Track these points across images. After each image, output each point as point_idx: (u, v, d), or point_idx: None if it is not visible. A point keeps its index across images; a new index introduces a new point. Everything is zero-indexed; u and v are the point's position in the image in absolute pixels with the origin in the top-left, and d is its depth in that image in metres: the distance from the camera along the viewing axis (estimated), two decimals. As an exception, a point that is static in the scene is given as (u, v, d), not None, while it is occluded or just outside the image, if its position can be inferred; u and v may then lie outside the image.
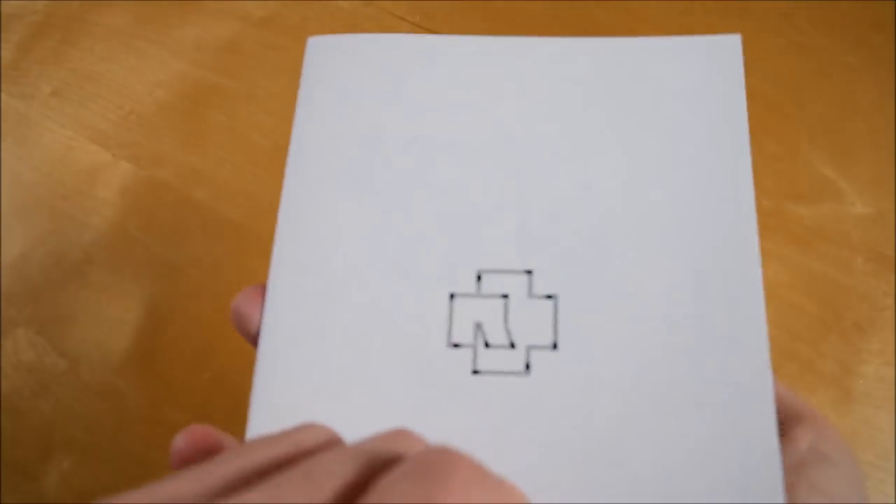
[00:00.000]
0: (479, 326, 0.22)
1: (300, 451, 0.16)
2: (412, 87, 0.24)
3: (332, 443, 0.17)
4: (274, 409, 0.21)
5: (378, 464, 0.15)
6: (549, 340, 0.21)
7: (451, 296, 0.22)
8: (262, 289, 0.23)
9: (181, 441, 0.20)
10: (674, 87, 0.24)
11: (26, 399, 0.40)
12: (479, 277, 0.22)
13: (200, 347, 0.40)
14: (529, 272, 0.22)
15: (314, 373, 0.22)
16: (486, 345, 0.22)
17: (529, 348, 0.21)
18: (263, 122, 0.46)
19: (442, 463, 0.14)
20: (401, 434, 0.17)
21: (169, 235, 0.44)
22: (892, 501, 0.35)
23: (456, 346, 0.22)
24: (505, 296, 0.22)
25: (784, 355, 0.38)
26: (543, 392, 0.21)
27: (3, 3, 0.51)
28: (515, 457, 0.20)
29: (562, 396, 0.21)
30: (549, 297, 0.22)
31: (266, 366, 0.22)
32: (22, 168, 0.46)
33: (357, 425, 0.20)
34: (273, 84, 0.47)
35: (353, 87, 0.25)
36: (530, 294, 0.22)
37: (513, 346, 0.21)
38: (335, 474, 0.15)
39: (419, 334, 0.22)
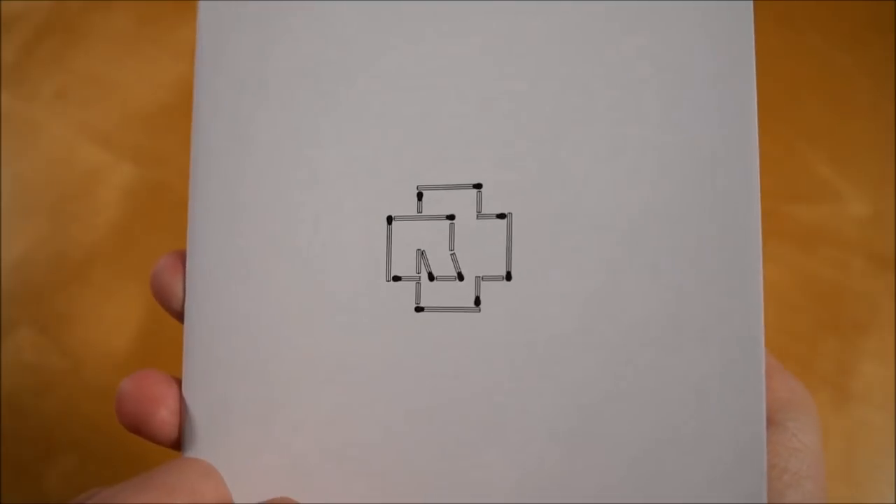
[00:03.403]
0: (422, 255, 0.19)
1: None
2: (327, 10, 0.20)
3: None
4: (208, 358, 0.20)
5: None
6: (501, 269, 0.19)
7: (389, 219, 0.19)
8: (182, 255, 0.21)
9: (128, 385, 0.20)
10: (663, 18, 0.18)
11: (28, 398, 0.41)
12: (419, 196, 0.19)
13: (201, 347, 0.40)
14: (478, 186, 0.19)
15: (248, 322, 0.20)
16: (431, 277, 0.19)
17: (480, 279, 0.19)
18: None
19: None
20: None
21: (171, 236, 0.44)
22: (892, 502, 0.35)
23: (396, 279, 0.19)
24: (450, 217, 0.19)
25: (782, 355, 0.38)
26: (496, 330, 0.18)
27: (4, 4, 0.51)
28: (469, 401, 0.18)
29: (517, 335, 0.18)
30: (502, 216, 0.19)
31: (197, 319, 0.20)
32: (24, 169, 0.47)
33: (299, 375, 0.19)
34: (274, 85, 0.47)
35: (256, 26, 0.21)
36: (480, 213, 0.19)
37: (461, 277, 0.19)
38: None
39: (357, 268, 0.19)
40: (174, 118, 0.47)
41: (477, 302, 0.19)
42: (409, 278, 0.19)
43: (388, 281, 0.19)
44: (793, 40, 0.44)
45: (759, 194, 0.17)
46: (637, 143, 0.18)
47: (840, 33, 0.44)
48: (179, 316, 0.21)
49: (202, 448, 0.20)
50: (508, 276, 0.19)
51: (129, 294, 0.42)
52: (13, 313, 0.43)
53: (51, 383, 0.41)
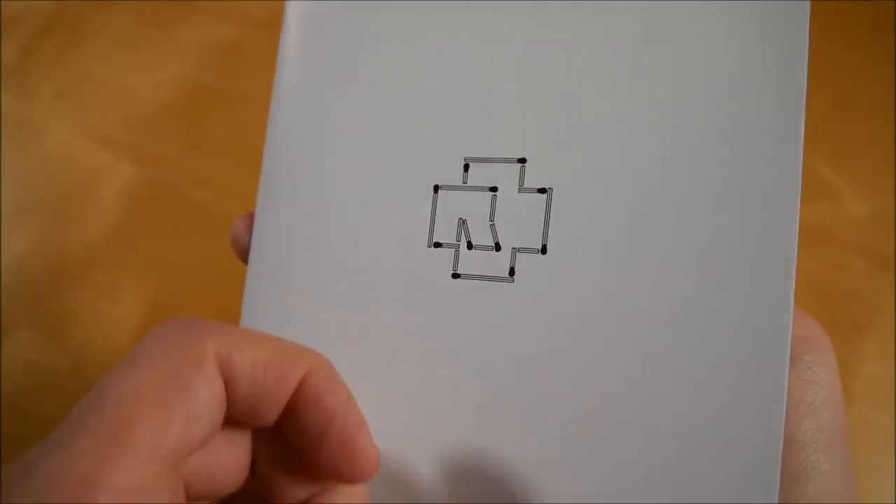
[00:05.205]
0: (463, 223, 0.20)
1: None
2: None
3: None
4: (264, 310, 0.22)
5: None
6: (537, 243, 0.19)
7: (436, 188, 0.20)
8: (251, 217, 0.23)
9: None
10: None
11: (28, 399, 0.41)
12: (466, 167, 0.20)
13: (201, 347, 0.41)
14: (523, 161, 0.20)
15: (301, 277, 0.21)
16: (470, 246, 0.20)
17: (516, 251, 0.19)
18: (264, 123, 0.46)
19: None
20: None
21: (170, 236, 0.44)
22: (892, 502, 0.35)
23: (437, 245, 0.20)
24: (493, 188, 0.20)
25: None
26: (528, 301, 0.19)
27: (4, 4, 0.51)
28: (499, 368, 0.19)
29: (548, 307, 0.19)
30: (542, 190, 0.19)
31: (256, 272, 0.22)
32: (24, 169, 0.47)
33: (343, 331, 0.21)
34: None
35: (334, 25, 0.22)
36: (522, 187, 0.20)
37: (498, 247, 0.20)
38: None
39: (402, 233, 0.21)
40: (174, 118, 0.47)
41: (511, 272, 0.19)
42: (449, 245, 0.20)
43: (430, 247, 0.20)
44: (793, 40, 0.44)
45: (800, 167, 0.17)
46: (678, 126, 0.18)
47: (841, 33, 0.44)
48: None
49: None
50: (544, 250, 0.19)
51: (129, 294, 0.42)
52: (13, 313, 0.43)
53: (51, 383, 0.41)
